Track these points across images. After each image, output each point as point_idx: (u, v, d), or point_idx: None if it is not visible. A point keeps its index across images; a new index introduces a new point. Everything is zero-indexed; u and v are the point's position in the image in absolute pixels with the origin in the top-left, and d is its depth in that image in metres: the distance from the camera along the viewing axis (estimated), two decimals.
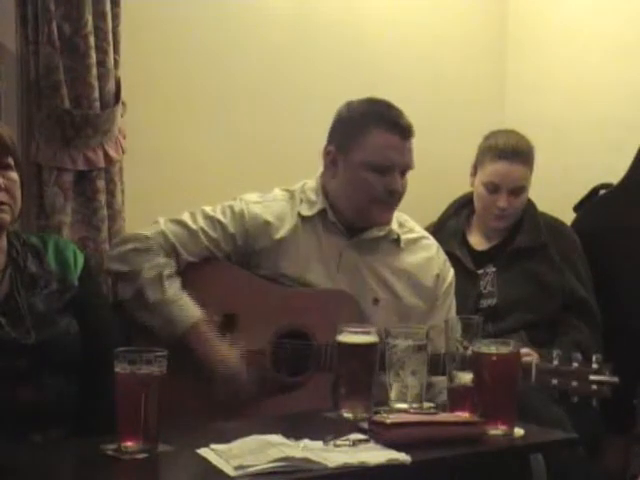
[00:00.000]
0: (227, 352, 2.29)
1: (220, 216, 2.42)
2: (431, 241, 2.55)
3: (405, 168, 2.42)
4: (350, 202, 2.42)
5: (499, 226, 2.87)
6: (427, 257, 2.50)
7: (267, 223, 2.42)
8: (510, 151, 2.81)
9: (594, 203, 3.08)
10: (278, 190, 2.51)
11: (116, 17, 2.62)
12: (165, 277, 2.32)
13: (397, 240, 2.47)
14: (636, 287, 2.82)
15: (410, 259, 2.48)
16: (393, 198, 2.41)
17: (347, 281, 2.41)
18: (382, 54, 3.33)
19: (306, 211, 2.44)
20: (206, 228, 2.41)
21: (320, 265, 2.41)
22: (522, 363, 2.10)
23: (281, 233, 2.41)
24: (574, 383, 2.13)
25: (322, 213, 2.44)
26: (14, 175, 2.00)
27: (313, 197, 2.46)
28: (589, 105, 3.35)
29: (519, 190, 2.83)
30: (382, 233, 2.45)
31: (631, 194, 2.96)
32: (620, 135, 3.17)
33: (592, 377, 2.12)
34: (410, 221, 2.55)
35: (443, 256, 2.55)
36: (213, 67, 3.05)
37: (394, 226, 2.48)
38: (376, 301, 2.41)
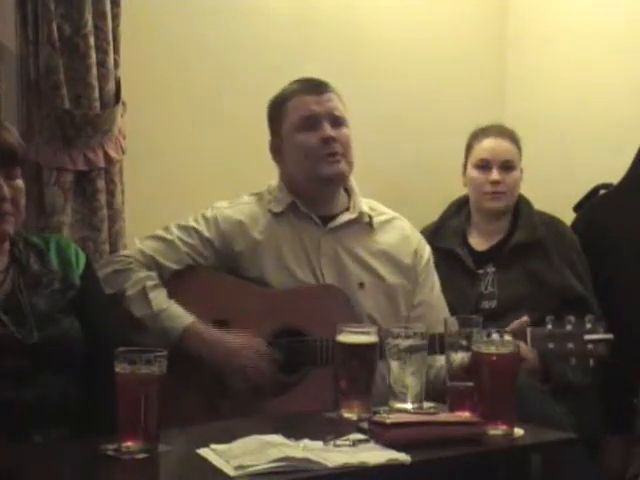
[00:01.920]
0: (232, 338, 2.28)
1: (193, 223, 2.44)
2: (403, 221, 2.57)
3: (330, 116, 2.43)
4: (302, 174, 2.44)
5: (495, 206, 2.88)
6: (402, 235, 2.52)
7: (240, 223, 2.43)
8: (495, 129, 2.92)
9: (594, 203, 3.08)
10: (246, 195, 2.53)
11: (116, 17, 2.62)
12: (149, 290, 2.31)
13: (370, 223, 2.49)
14: (636, 287, 2.82)
15: (385, 239, 2.50)
16: (330, 146, 2.41)
17: (331, 269, 2.42)
18: (382, 52, 3.34)
19: (276, 208, 2.46)
20: (182, 236, 2.41)
21: (302, 258, 2.42)
22: (517, 329, 2.16)
23: (256, 233, 2.42)
24: (570, 345, 2.16)
25: (292, 207, 2.46)
26: (20, 184, 1.99)
27: (279, 194, 2.48)
28: (589, 104, 3.35)
29: (509, 165, 2.87)
30: (354, 216, 2.47)
31: (631, 194, 2.96)
32: (620, 135, 3.17)
33: (587, 337, 2.15)
34: (380, 206, 2.57)
35: (418, 234, 2.58)
36: (213, 67, 3.05)
37: (365, 208, 2.49)
38: (361, 285, 2.42)
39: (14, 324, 1.94)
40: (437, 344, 2.16)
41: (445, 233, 2.88)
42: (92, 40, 2.55)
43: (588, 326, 2.17)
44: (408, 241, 2.51)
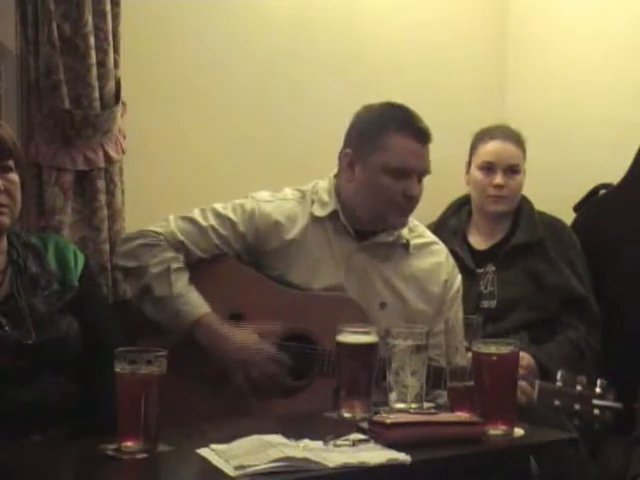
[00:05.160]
0: (243, 336, 2.29)
1: (231, 214, 2.42)
2: (441, 246, 2.55)
3: (423, 173, 2.42)
4: (367, 206, 2.40)
5: (497, 210, 2.88)
6: (436, 262, 2.50)
7: (277, 223, 2.41)
8: (501, 131, 2.90)
9: (594, 203, 3.08)
10: (289, 190, 2.50)
11: (116, 17, 2.61)
12: (172, 271, 2.32)
13: (406, 245, 2.47)
14: (636, 288, 2.82)
15: (419, 264, 2.47)
16: (410, 203, 2.40)
17: (355, 284, 2.40)
18: (382, 53, 3.33)
19: (318, 212, 2.43)
20: (216, 226, 2.40)
21: (329, 267, 2.40)
22: (525, 383, 2.13)
23: (291, 234, 2.41)
24: (577, 406, 2.12)
25: (333, 215, 2.43)
26: (14, 177, 2.00)
27: (326, 198, 2.45)
28: (589, 105, 3.35)
29: (514, 169, 2.86)
30: (391, 238, 2.45)
31: (631, 194, 2.96)
32: (620, 135, 3.17)
33: (595, 401, 2.11)
34: (420, 226, 2.56)
35: (452, 262, 2.55)
36: (213, 67, 3.05)
37: (403, 231, 2.47)
38: (383, 305, 2.41)
39: (12, 325, 1.94)
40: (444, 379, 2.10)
41: (444, 233, 2.87)
42: (92, 40, 2.54)
43: (598, 390, 2.12)
44: (440, 269, 2.49)
